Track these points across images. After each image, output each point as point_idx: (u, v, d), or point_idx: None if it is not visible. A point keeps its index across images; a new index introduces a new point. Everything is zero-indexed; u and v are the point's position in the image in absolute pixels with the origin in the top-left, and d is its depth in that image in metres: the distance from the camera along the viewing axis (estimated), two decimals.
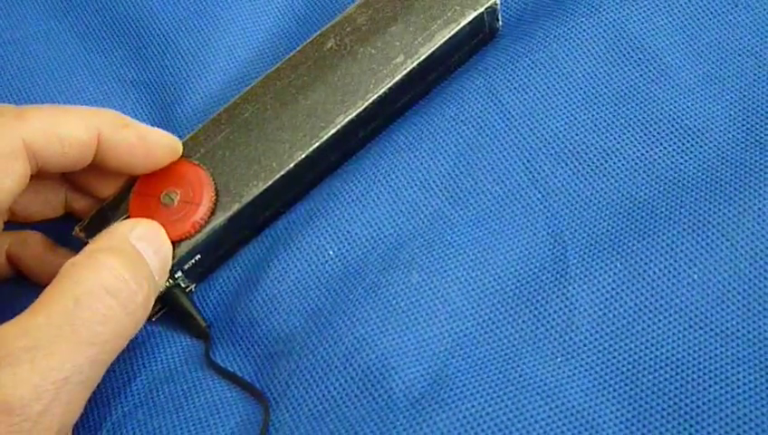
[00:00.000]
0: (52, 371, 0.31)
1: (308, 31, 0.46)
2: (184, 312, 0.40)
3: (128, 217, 0.39)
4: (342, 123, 0.40)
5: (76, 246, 0.41)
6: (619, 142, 0.40)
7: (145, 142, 0.39)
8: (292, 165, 0.40)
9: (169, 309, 0.40)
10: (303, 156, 0.40)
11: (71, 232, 0.41)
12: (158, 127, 0.45)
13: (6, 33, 0.50)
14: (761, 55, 0.41)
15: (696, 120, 0.40)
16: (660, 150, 0.40)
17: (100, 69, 0.48)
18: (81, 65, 0.49)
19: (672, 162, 0.39)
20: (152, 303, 0.36)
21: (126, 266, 0.34)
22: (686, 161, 0.39)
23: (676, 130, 0.40)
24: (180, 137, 0.42)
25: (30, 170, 0.36)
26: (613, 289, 0.37)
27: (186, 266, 0.39)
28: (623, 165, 0.40)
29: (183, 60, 0.48)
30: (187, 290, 0.40)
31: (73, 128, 0.36)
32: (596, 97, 0.41)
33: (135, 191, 0.40)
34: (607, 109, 0.41)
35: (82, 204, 0.42)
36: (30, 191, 0.41)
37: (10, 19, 0.50)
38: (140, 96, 0.47)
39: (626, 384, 0.34)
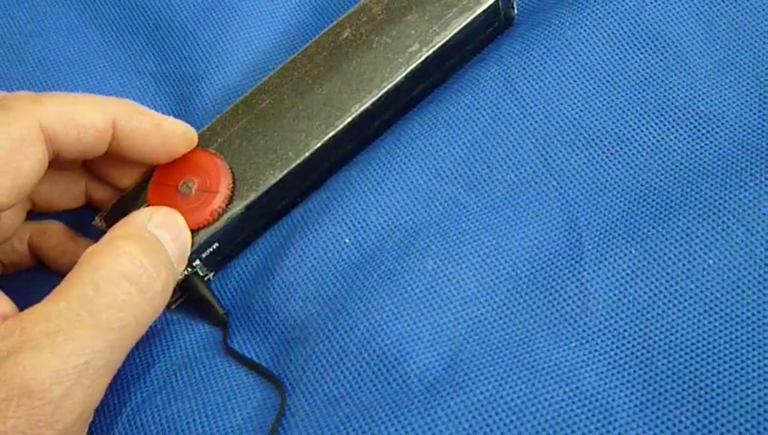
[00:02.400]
0: (72, 355, 0.32)
1: (325, 22, 0.46)
2: (202, 299, 0.40)
3: (147, 207, 0.40)
4: (358, 112, 0.41)
5: (96, 236, 0.41)
6: (634, 129, 0.40)
7: (160, 130, 0.39)
8: (308, 154, 0.40)
9: (188, 297, 0.41)
10: (319, 145, 0.40)
11: (91, 222, 0.41)
12: (176, 118, 0.45)
13: (28, 26, 0.50)
14: None
15: (711, 106, 0.40)
16: (676, 137, 0.40)
17: (119, 61, 0.49)
18: (101, 57, 0.49)
19: (688, 148, 0.39)
20: (171, 289, 0.37)
21: (145, 253, 0.35)
22: (701, 147, 0.39)
23: (692, 116, 0.40)
24: (198, 128, 0.42)
25: (48, 155, 0.36)
26: (628, 274, 0.37)
27: (204, 255, 0.40)
28: (638, 151, 0.40)
29: (201, 51, 0.48)
30: (206, 278, 0.41)
31: (89, 114, 0.37)
32: (611, 84, 0.41)
33: (153, 181, 0.40)
34: (622, 95, 0.41)
35: (103, 194, 0.43)
36: (51, 181, 0.41)
37: (32, 11, 0.51)
38: (159, 88, 0.48)
39: (640, 369, 0.34)
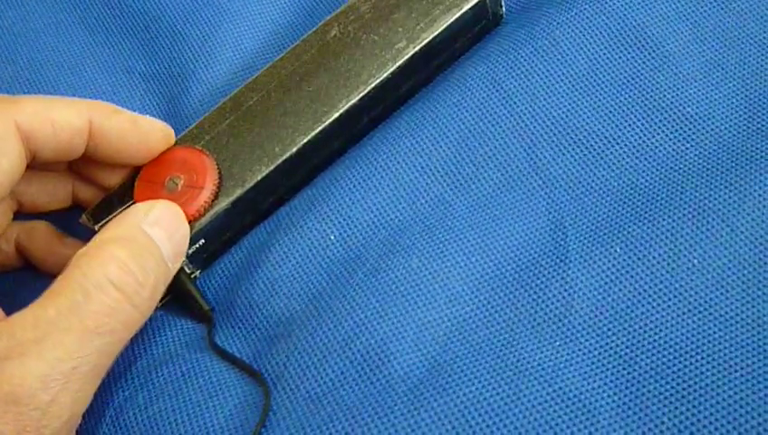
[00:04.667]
0: (60, 361, 0.32)
1: (314, 22, 0.46)
2: (188, 296, 0.40)
3: (133, 204, 0.39)
4: (345, 108, 0.41)
5: (84, 236, 0.42)
6: (620, 129, 0.40)
7: (136, 127, 0.39)
8: (294, 149, 0.40)
9: (173, 293, 0.40)
10: (306, 140, 0.40)
11: (78, 221, 0.41)
12: (165, 118, 0.45)
13: (17, 26, 0.50)
14: (763, 43, 0.41)
15: (697, 107, 0.40)
16: (661, 137, 0.40)
17: (108, 61, 0.49)
18: (90, 57, 0.49)
19: (673, 149, 0.39)
20: (161, 292, 0.37)
21: (134, 258, 0.35)
22: (687, 148, 0.39)
23: (678, 117, 0.40)
24: (186, 127, 0.42)
25: (26, 153, 0.36)
26: (613, 274, 0.36)
27: (190, 251, 0.39)
28: (624, 151, 0.40)
29: (190, 51, 0.48)
30: (192, 275, 0.41)
31: (65, 113, 0.37)
32: (598, 84, 0.41)
33: (140, 178, 0.40)
34: (608, 96, 0.41)
35: (90, 194, 0.43)
36: (38, 183, 0.42)
37: (21, 11, 0.51)
38: (148, 87, 0.48)
39: (624, 368, 0.34)
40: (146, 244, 0.36)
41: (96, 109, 0.38)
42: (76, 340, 0.32)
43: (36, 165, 0.38)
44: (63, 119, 0.37)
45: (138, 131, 0.39)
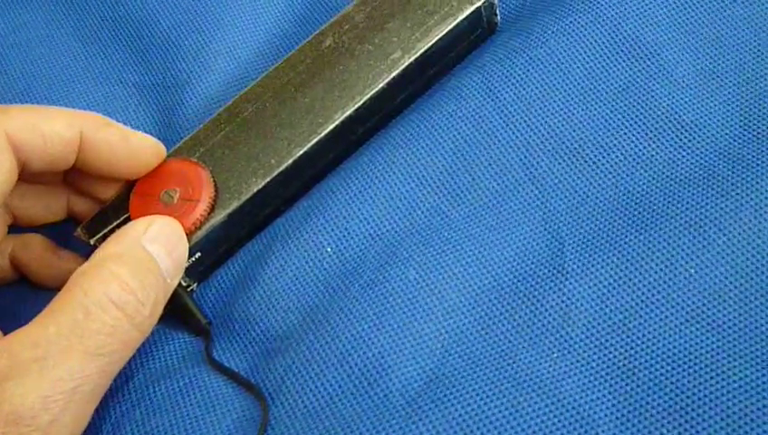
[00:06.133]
0: (60, 381, 0.31)
1: (308, 31, 0.46)
2: (185, 310, 0.40)
3: (128, 217, 0.39)
4: (340, 119, 0.40)
5: (78, 248, 0.42)
6: (616, 138, 0.40)
7: (127, 142, 0.39)
8: (290, 161, 0.40)
9: (170, 307, 0.40)
10: (302, 152, 0.40)
11: (73, 234, 0.41)
12: (160, 129, 0.45)
13: (9, 37, 0.50)
14: (758, 51, 0.41)
15: (693, 115, 0.40)
16: (657, 146, 0.39)
17: (102, 72, 0.49)
18: (83, 69, 0.49)
19: (669, 158, 0.39)
20: (161, 310, 0.36)
21: (134, 276, 0.34)
22: (683, 157, 0.39)
23: (674, 125, 0.40)
24: (181, 138, 0.42)
25: (16, 164, 0.36)
26: (610, 284, 0.36)
27: (186, 264, 0.39)
28: (620, 160, 0.39)
29: (184, 61, 0.48)
30: (188, 289, 0.40)
31: (56, 124, 0.37)
32: (593, 93, 0.41)
33: (135, 191, 0.40)
34: (604, 104, 0.41)
35: (85, 207, 0.42)
36: (32, 195, 0.41)
37: (13, 23, 0.50)
38: (142, 98, 0.48)
39: (622, 380, 0.34)
40: (146, 261, 0.35)
41: (87, 120, 0.38)
42: (77, 360, 0.32)
43: (28, 177, 0.38)
44: (54, 130, 0.36)
45: (128, 146, 0.39)
